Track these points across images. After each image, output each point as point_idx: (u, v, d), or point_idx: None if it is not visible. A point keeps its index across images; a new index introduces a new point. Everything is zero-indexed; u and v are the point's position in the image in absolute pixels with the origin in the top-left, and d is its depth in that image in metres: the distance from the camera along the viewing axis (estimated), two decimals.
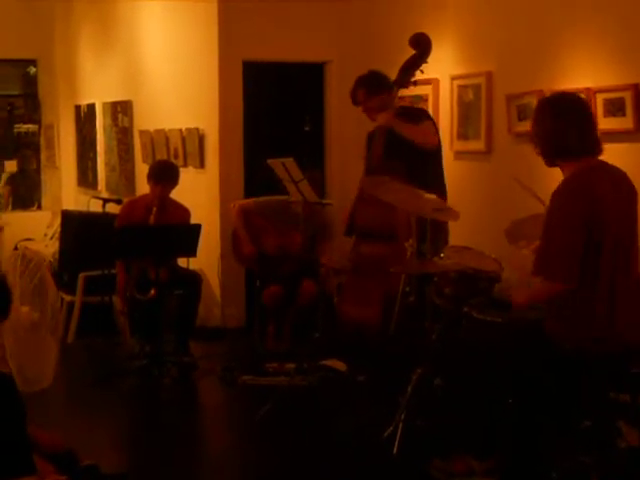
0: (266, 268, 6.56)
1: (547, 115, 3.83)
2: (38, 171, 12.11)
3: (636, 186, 3.88)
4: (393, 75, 5.55)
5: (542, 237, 3.76)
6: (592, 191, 3.67)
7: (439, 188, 5.36)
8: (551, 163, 3.87)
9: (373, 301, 5.47)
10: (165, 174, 6.48)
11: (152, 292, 6.23)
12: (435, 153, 5.56)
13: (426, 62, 5.44)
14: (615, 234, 3.69)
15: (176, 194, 6.62)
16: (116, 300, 6.88)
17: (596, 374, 3.74)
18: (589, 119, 3.83)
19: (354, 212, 5.76)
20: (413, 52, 5.47)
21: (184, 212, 6.59)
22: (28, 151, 12.09)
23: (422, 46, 5.43)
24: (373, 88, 5.58)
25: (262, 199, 6.89)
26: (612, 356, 3.69)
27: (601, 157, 3.86)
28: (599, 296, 3.67)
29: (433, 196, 4.76)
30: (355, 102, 5.72)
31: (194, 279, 6.50)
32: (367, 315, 5.47)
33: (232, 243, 6.89)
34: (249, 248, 6.72)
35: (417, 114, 5.67)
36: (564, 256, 3.64)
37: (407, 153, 5.39)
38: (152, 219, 6.35)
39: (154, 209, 6.37)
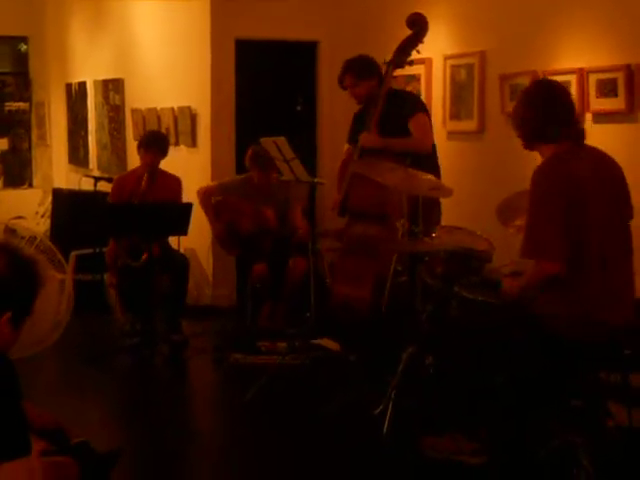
0: (248, 249, 6.56)
1: (520, 104, 3.87)
2: (29, 149, 12.07)
3: (630, 167, 3.89)
4: (388, 55, 5.53)
5: (526, 218, 3.77)
6: (571, 171, 3.69)
7: (432, 166, 5.35)
8: (530, 147, 3.89)
9: (365, 281, 5.47)
10: (156, 142, 6.56)
11: (144, 257, 6.22)
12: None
13: (422, 42, 5.42)
14: (599, 214, 3.69)
15: (169, 170, 6.62)
16: (107, 277, 6.88)
17: (587, 354, 3.76)
18: (564, 107, 3.82)
19: (347, 192, 5.75)
20: (409, 31, 5.46)
21: (175, 181, 6.62)
22: (20, 129, 12.04)
23: (418, 26, 5.42)
24: (361, 73, 5.54)
25: (225, 180, 6.93)
26: (603, 336, 3.70)
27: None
28: (590, 276, 3.68)
29: (427, 175, 4.76)
30: (342, 87, 5.69)
31: (182, 263, 6.50)
32: (359, 295, 5.47)
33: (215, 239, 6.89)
34: (216, 227, 6.71)
35: (409, 107, 5.56)
36: (547, 235, 3.65)
37: (400, 128, 5.39)
38: (143, 185, 6.36)
39: (145, 175, 6.39)
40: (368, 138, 5.44)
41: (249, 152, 6.52)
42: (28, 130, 12.04)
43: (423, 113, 5.53)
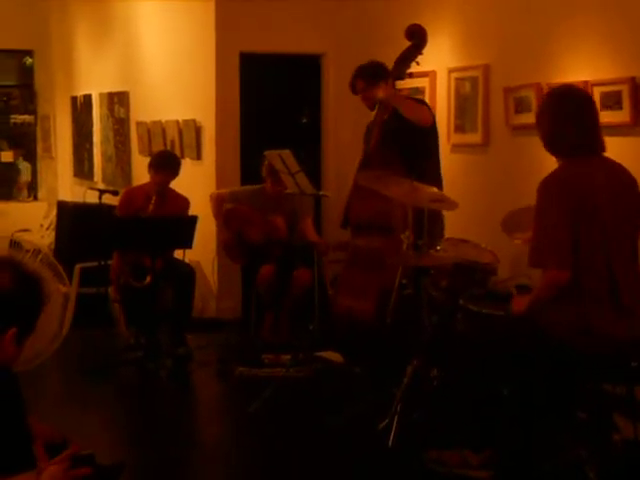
0: (255, 257, 6.55)
1: (547, 113, 3.86)
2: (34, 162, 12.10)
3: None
4: (390, 67, 5.54)
5: (533, 227, 3.77)
6: (581, 181, 3.69)
7: (435, 179, 5.36)
8: (550, 153, 3.91)
9: (368, 294, 5.46)
10: (166, 164, 6.53)
11: (147, 279, 6.23)
12: (430, 133, 5.54)
13: (421, 54, 5.43)
14: (609, 225, 3.69)
15: (173, 185, 6.62)
16: (111, 291, 6.89)
17: (592, 366, 3.75)
18: (590, 117, 3.83)
19: (349, 204, 5.76)
20: (409, 43, 5.46)
21: (183, 202, 6.60)
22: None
23: (417, 37, 5.42)
24: (372, 78, 5.59)
25: (237, 189, 6.93)
26: (610, 348, 3.69)
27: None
28: (597, 287, 3.67)
29: (431, 188, 4.76)
30: (354, 91, 5.73)
31: (188, 273, 6.49)
32: (362, 308, 5.46)
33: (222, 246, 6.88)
34: (225, 234, 6.70)
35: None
36: (553, 243, 3.65)
37: (404, 139, 5.39)
38: (151, 208, 6.37)
39: (154, 198, 6.38)
40: (385, 90, 5.40)
41: (266, 162, 6.48)
42: (33, 142, 12.08)
43: (425, 106, 5.59)
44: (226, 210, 6.69)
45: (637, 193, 3.84)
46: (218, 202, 6.74)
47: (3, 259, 2.55)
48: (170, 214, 6.43)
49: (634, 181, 3.86)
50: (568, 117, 3.77)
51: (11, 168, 12.04)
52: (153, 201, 6.38)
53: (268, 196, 6.59)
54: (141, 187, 6.86)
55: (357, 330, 5.52)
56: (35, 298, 2.48)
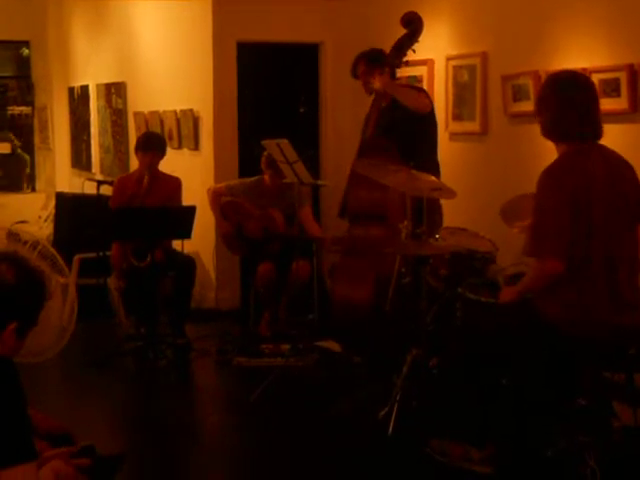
0: (254, 251, 6.54)
1: (551, 97, 3.82)
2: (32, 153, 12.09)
3: (633, 166, 3.88)
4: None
5: (532, 217, 3.77)
6: (580, 171, 3.68)
7: (432, 166, 5.35)
8: (550, 139, 3.88)
9: (365, 283, 5.46)
10: (152, 143, 6.57)
11: (148, 259, 6.21)
12: (429, 120, 5.54)
13: (418, 41, 5.41)
14: (607, 215, 3.69)
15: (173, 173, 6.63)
16: (111, 282, 6.88)
17: (591, 354, 3.75)
18: (593, 102, 3.82)
19: (347, 193, 5.75)
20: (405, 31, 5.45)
21: (175, 182, 6.61)
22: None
23: (413, 25, 5.40)
24: (374, 63, 5.59)
25: (233, 182, 6.90)
26: (609, 336, 3.70)
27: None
28: (596, 276, 3.67)
29: (429, 176, 4.75)
30: (355, 75, 5.74)
31: (188, 264, 6.48)
32: (359, 296, 5.46)
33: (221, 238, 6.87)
34: (224, 226, 6.70)
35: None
36: (552, 234, 3.65)
37: (401, 127, 5.39)
38: (144, 186, 6.37)
39: (146, 177, 6.38)
40: (381, 79, 5.41)
41: (265, 155, 6.46)
42: (31, 133, 12.06)
43: (423, 93, 5.59)
44: (224, 203, 6.68)
45: (636, 183, 3.83)
46: (215, 196, 6.73)
47: (7, 255, 2.56)
48: (162, 194, 6.43)
49: (633, 171, 3.85)
50: (571, 103, 3.75)
51: (10, 159, 12.03)
52: (145, 180, 6.38)
53: (266, 189, 6.58)
54: (131, 174, 6.91)
55: (354, 318, 5.52)
56: (37, 294, 2.49)
